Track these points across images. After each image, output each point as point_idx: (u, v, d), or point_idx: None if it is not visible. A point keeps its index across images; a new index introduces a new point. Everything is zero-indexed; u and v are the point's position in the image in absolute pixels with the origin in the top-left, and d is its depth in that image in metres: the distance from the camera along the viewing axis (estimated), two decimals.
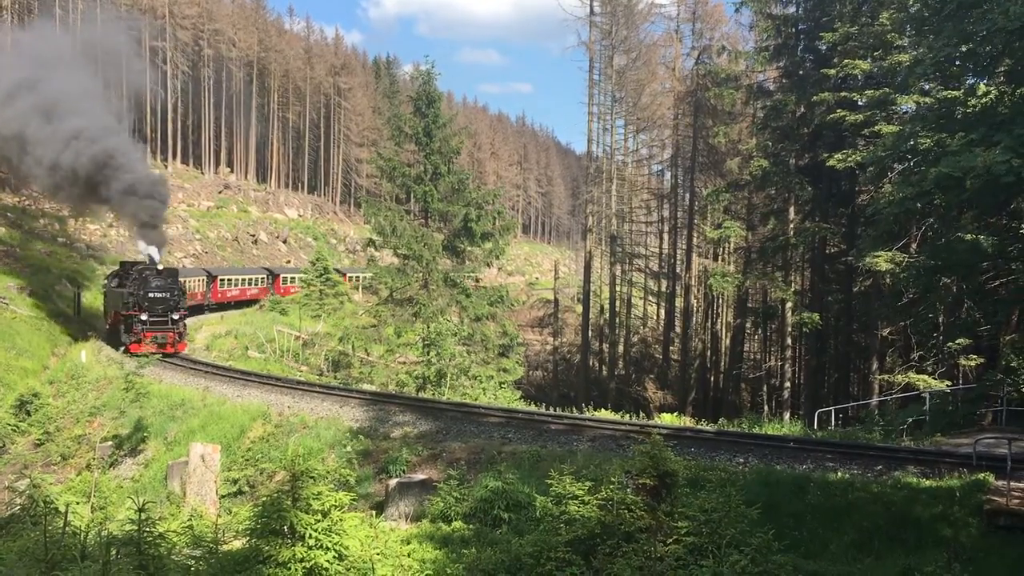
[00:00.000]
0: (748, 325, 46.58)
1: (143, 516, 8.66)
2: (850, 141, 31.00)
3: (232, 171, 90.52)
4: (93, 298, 47.44)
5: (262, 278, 59.25)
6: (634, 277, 58.48)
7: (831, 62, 31.84)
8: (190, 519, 12.46)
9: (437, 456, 17.79)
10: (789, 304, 35.75)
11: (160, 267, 34.98)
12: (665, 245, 58.98)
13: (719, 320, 51.81)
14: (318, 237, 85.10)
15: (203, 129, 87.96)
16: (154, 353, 31.58)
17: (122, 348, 34.04)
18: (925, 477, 13.72)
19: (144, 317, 33.01)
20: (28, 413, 26.91)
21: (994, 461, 13.83)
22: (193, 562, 8.87)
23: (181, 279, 38.42)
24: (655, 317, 64.27)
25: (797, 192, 35.38)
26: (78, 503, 14.38)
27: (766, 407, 37.15)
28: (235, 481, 18.98)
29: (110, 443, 23.41)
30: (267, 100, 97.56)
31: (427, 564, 10.27)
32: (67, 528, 9.59)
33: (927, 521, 12.37)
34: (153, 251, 35.65)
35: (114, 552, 8.18)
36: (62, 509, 11.01)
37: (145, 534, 8.66)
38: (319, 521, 8.58)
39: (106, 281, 42.22)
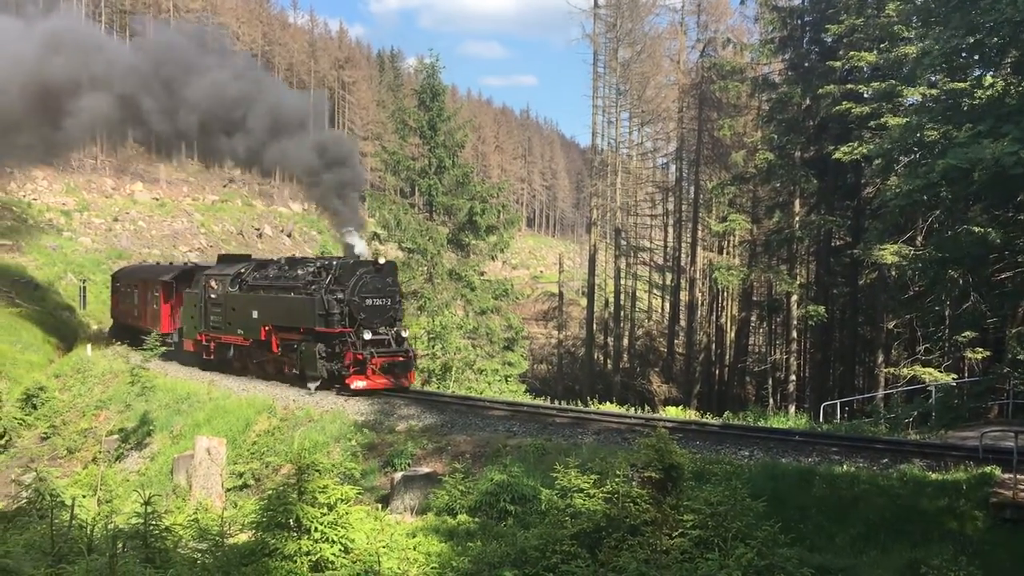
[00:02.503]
0: (753, 318, 46.61)
1: (149, 509, 8.68)
2: (856, 133, 30.91)
3: (236, 164, 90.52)
4: (99, 292, 47.48)
5: None
6: (639, 270, 58.45)
7: (837, 54, 31.75)
8: (196, 512, 12.49)
9: (442, 449, 17.79)
10: (794, 297, 35.70)
11: (381, 260, 23.96)
12: (670, 238, 58.87)
13: (724, 313, 51.75)
14: (323, 231, 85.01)
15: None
16: (387, 389, 22.54)
17: (312, 384, 23.41)
18: (931, 470, 13.67)
19: (368, 336, 22.42)
20: (34, 407, 26.98)
21: (1000, 454, 13.79)
22: (199, 555, 8.87)
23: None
24: (660, 310, 64.26)
25: (802, 185, 35.29)
26: (84, 496, 14.43)
27: (771, 400, 37.13)
28: (241, 474, 18.99)
29: (116, 437, 23.46)
30: None
31: (433, 557, 10.26)
32: (73, 521, 9.62)
33: (933, 514, 12.34)
34: (358, 240, 24.98)
35: (121, 545, 8.20)
36: (68, 502, 11.04)
37: (151, 527, 8.68)
38: (325, 514, 8.60)
39: (174, 282, 31.45)
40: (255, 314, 25.38)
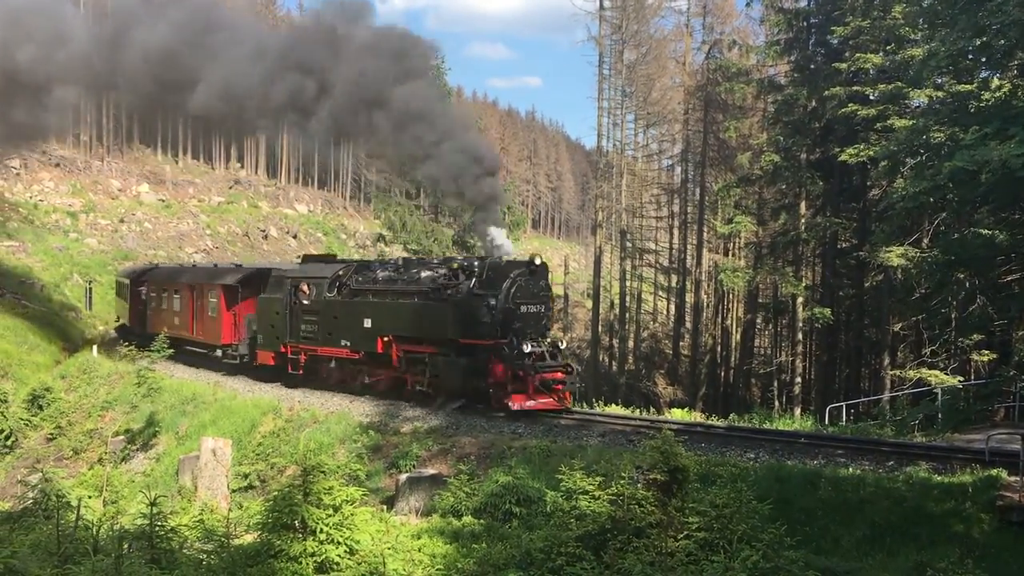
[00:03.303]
0: (759, 320, 46.50)
1: (155, 510, 8.72)
2: (862, 135, 30.85)
3: (242, 166, 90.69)
4: (104, 293, 47.59)
5: None
6: (644, 272, 58.36)
7: (843, 56, 31.69)
8: (201, 513, 12.50)
9: (447, 451, 17.79)
10: (800, 299, 35.62)
11: (536, 261, 20.43)
12: (675, 240, 58.85)
13: (729, 315, 51.70)
14: (328, 232, 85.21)
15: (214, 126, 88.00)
16: (550, 411, 19.42)
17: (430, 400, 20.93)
18: (937, 473, 13.63)
19: (528, 348, 19.28)
20: (40, 407, 27.06)
21: (1007, 457, 13.74)
22: (205, 556, 8.91)
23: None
24: (665, 312, 64.14)
25: (808, 187, 35.24)
26: (90, 497, 14.47)
27: (776, 402, 37.06)
28: (246, 475, 19.04)
29: (122, 437, 23.53)
30: None
31: (438, 558, 10.27)
32: (79, 522, 9.66)
33: (939, 517, 12.31)
34: (502, 236, 21.63)
35: (126, 546, 8.23)
36: (74, 503, 11.08)
37: (157, 528, 8.72)
38: (330, 516, 8.62)
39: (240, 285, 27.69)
40: (368, 323, 21.97)
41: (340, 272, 23.86)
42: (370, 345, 21.95)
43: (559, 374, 19.72)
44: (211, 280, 29.68)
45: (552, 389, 19.38)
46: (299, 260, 28.92)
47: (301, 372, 24.47)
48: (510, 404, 18.88)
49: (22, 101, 26.24)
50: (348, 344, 22.71)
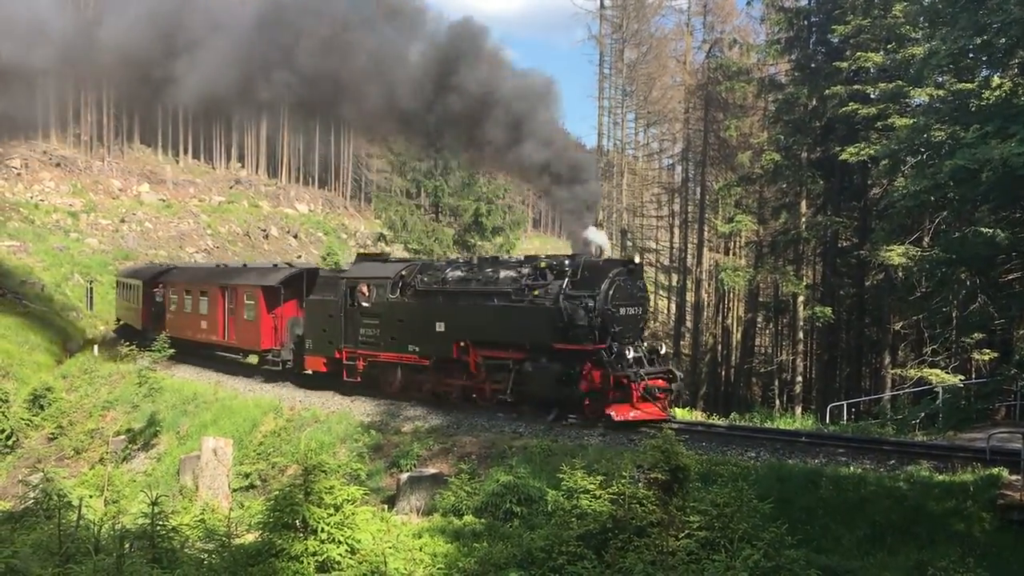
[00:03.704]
0: (759, 319, 46.47)
1: (156, 510, 8.73)
2: (863, 134, 30.82)
3: (243, 166, 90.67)
4: (105, 292, 47.59)
5: None
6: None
7: (843, 55, 31.65)
8: (202, 513, 12.53)
9: (448, 450, 17.81)
10: (801, 298, 35.61)
11: (636, 259, 20.13)
12: (676, 239, 58.83)
13: (730, 314, 51.67)
14: (328, 232, 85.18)
15: (214, 123, 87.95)
16: (654, 420, 17.51)
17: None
18: (938, 472, 13.63)
19: (631, 355, 18.00)
20: (41, 407, 27.05)
21: (1008, 456, 13.74)
22: (206, 555, 8.93)
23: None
24: (666, 311, 64.17)
25: (809, 186, 35.22)
26: (91, 497, 14.49)
27: (777, 402, 37.04)
28: (247, 475, 19.06)
29: (123, 437, 23.55)
30: None
31: (439, 558, 10.29)
32: (81, 522, 9.67)
33: (940, 516, 12.30)
34: (598, 235, 20.37)
35: (128, 545, 8.24)
36: (76, 503, 11.09)
37: (158, 527, 8.74)
38: (331, 515, 8.63)
39: (283, 285, 25.91)
40: (440, 327, 20.37)
41: (403, 272, 22.05)
42: (444, 350, 20.41)
43: (661, 381, 18.19)
44: (248, 281, 27.68)
45: (656, 397, 17.76)
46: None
47: (359, 379, 22.92)
48: (612, 414, 17.32)
49: (5, 93, 25.54)
50: (417, 349, 21.09)
